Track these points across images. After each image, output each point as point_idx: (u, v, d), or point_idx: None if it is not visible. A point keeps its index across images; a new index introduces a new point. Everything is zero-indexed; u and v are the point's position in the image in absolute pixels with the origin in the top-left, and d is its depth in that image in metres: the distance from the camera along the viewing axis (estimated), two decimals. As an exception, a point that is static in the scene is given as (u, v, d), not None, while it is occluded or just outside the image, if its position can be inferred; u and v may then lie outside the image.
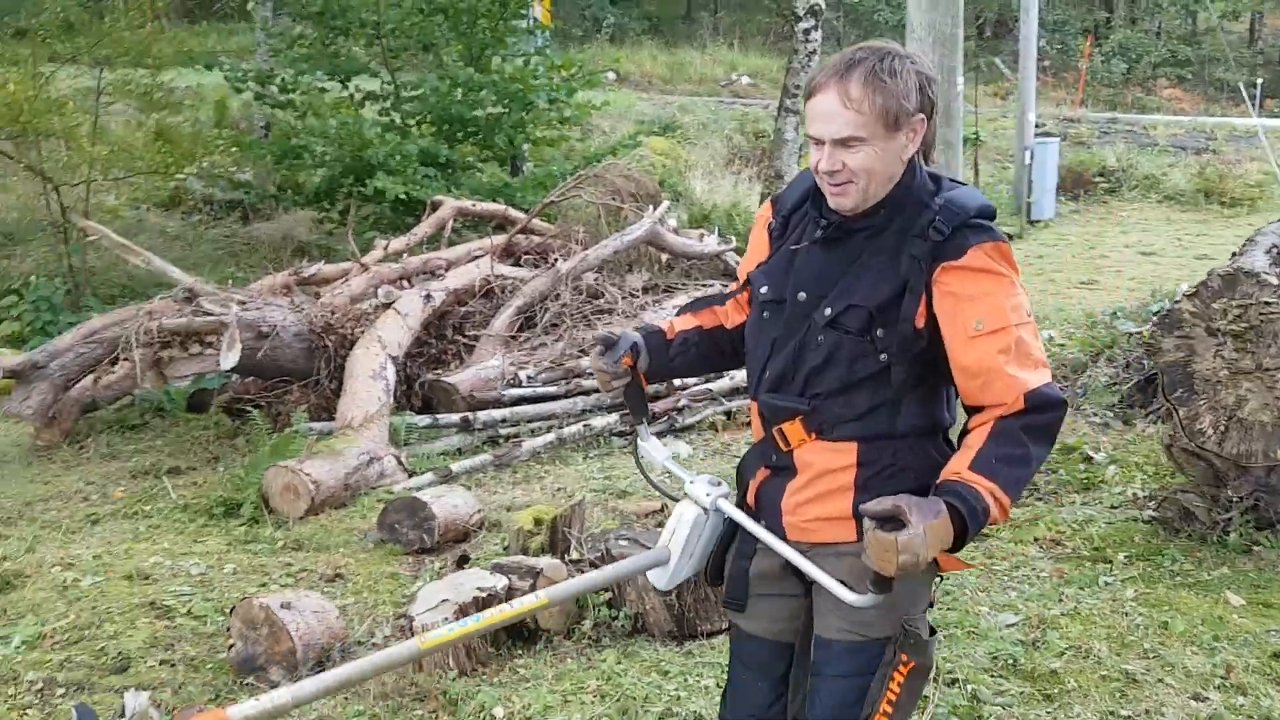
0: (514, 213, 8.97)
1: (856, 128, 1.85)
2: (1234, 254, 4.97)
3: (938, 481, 1.83)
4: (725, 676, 2.30)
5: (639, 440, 2.26)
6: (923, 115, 1.90)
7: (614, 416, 6.15)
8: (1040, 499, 4.84)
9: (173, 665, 3.57)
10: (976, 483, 1.78)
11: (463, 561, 4.26)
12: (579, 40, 23.94)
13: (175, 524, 4.92)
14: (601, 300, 7.19)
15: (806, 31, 10.31)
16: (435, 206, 8.57)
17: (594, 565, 3.75)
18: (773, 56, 23.42)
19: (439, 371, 6.40)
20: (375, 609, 3.95)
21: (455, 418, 6.02)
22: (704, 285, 8.20)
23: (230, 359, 5.65)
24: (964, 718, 3.11)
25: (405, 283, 7.02)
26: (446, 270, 7.21)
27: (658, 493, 2.21)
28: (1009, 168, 15.26)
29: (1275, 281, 4.00)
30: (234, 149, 10.48)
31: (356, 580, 4.23)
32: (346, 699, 3.33)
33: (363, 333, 6.18)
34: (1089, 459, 5.22)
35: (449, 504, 4.67)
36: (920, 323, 1.89)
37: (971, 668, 3.34)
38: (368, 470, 5.27)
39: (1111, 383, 6.19)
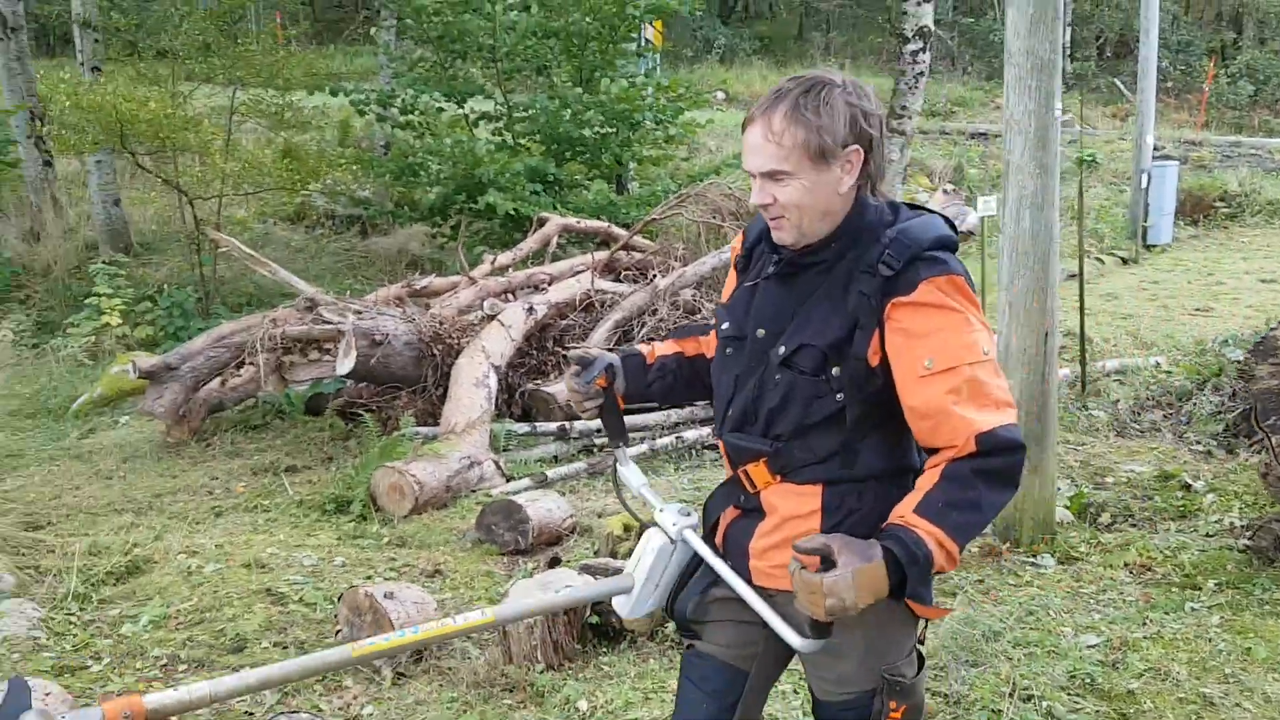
0: (616, 230, 9.17)
1: (779, 161, 1.81)
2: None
3: (883, 525, 1.74)
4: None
5: (617, 465, 2.20)
6: (857, 147, 1.81)
7: (706, 430, 6.27)
8: (1134, 525, 4.79)
9: (285, 647, 3.83)
10: (918, 527, 1.68)
11: (554, 563, 4.44)
12: (689, 61, 24.19)
13: (291, 518, 5.22)
14: (698, 315, 7.33)
15: (914, 53, 10.27)
16: (541, 223, 8.82)
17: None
18: (885, 76, 23.17)
19: (539, 381, 6.62)
20: (470, 604, 4.16)
21: (552, 426, 6.24)
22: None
23: (346, 365, 5.96)
24: (1037, 734, 3.15)
25: (510, 296, 7.26)
26: (549, 284, 7.44)
27: (632, 517, 2.15)
28: (1125, 191, 14.86)
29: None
30: (355, 167, 10.94)
31: (454, 577, 4.45)
32: (441, 685, 3.54)
33: (468, 343, 6.43)
34: (1187, 487, 5.13)
35: (543, 508, 4.86)
36: (875, 360, 1.81)
37: (1049, 685, 3.36)
38: (468, 473, 5.51)
39: (1216, 411, 6.05)
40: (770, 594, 1.88)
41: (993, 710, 3.23)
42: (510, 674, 3.55)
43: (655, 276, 7.50)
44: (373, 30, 14.22)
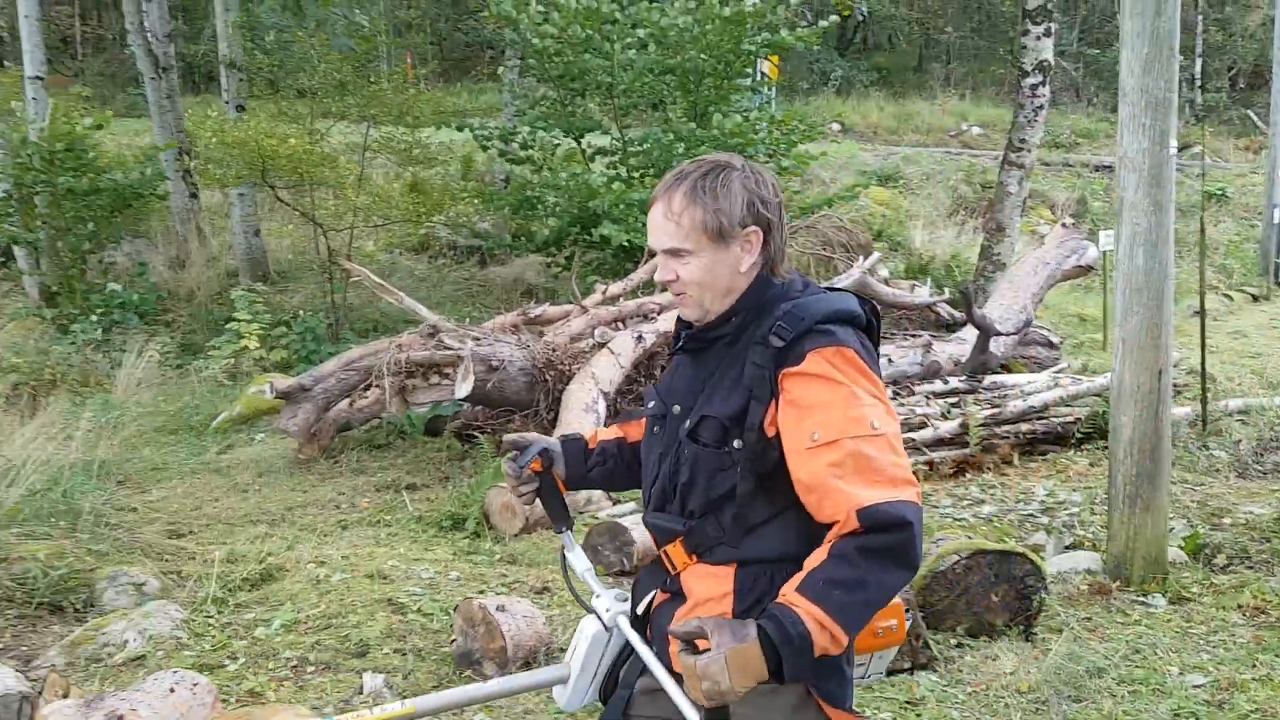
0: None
1: (679, 239, 1.86)
2: None
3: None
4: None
5: (565, 550, 2.14)
6: (755, 228, 1.86)
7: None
8: (1251, 567, 4.67)
9: (404, 654, 4.04)
10: (798, 606, 1.63)
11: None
12: (804, 93, 24.24)
13: (410, 533, 5.48)
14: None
15: (1034, 87, 10.17)
16: (652, 254, 8.93)
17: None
18: (1006, 107, 22.87)
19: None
20: (577, 620, 4.31)
21: (660, 453, 6.37)
22: (913, 335, 8.25)
23: (464, 389, 6.23)
24: (1137, 772, 3.13)
25: (620, 325, 7.43)
26: (659, 314, 7.60)
27: (580, 604, 2.08)
28: (1257, 226, 14.33)
29: None
30: (476, 200, 11.34)
31: (561, 594, 4.61)
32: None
33: (579, 369, 6.64)
34: (1312, 530, 4.98)
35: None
36: (771, 432, 1.79)
37: (1151, 724, 3.34)
38: (576, 495, 5.68)
39: (1347, 453, 5.85)
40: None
41: (1092, 745, 3.23)
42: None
43: (764, 308, 7.58)
44: (500, 70, 14.71)
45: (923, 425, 6.60)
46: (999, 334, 7.80)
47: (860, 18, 26.30)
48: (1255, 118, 20.09)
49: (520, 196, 10.99)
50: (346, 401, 6.88)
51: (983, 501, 5.95)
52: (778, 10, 10.48)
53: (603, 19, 10.01)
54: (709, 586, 1.84)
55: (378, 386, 6.59)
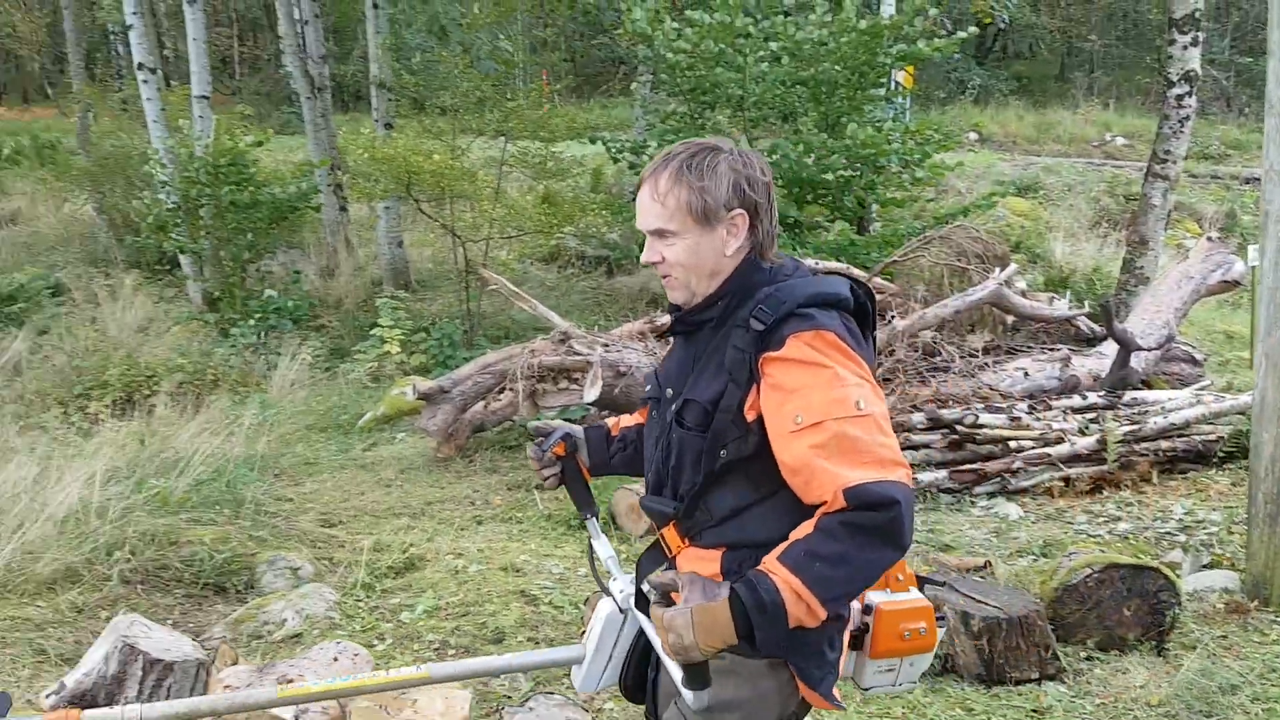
0: (855, 271, 9.25)
1: (665, 220, 1.86)
2: None
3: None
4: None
5: (590, 538, 2.17)
6: (741, 211, 1.86)
7: (942, 473, 6.29)
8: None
9: (537, 643, 4.24)
10: (775, 573, 1.64)
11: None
12: (940, 102, 23.85)
13: (540, 530, 5.70)
14: (938, 358, 7.34)
15: (1179, 97, 9.82)
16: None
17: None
18: (1151, 118, 22.05)
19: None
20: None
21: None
22: (1051, 349, 8.08)
23: (593, 393, 6.43)
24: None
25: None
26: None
27: (600, 586, 2.11)
28: None
29: None
30: (605, 211, 11.55)
31: (687, 593, 4.73)
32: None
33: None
34: None
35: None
36: (751, 416, 1.79)
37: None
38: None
39: None
40: None
41: (1223, 762, 3.18)
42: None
43: (893, 318, 7.59)
44: (632, 85, 14.98)
45: (1059, 440, 6.49)
46: (1140, 349, 7.59)
47: (1001, 25, 25.71)
48: None
49: (648, 207, 11.11)
50: (481, 404, 7.16)
51: (1119, 519, 5.82)
52: (915, 21, 10.39)
53: (736, 33, 10.12)
54: (699, 569, 1.85)
55: (511, 390, 6.85)
